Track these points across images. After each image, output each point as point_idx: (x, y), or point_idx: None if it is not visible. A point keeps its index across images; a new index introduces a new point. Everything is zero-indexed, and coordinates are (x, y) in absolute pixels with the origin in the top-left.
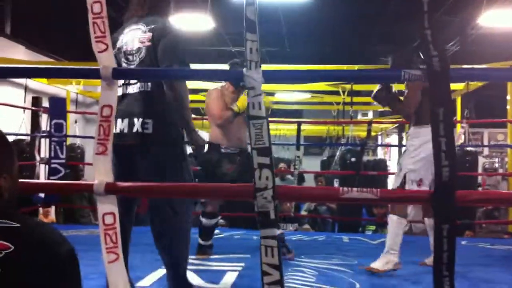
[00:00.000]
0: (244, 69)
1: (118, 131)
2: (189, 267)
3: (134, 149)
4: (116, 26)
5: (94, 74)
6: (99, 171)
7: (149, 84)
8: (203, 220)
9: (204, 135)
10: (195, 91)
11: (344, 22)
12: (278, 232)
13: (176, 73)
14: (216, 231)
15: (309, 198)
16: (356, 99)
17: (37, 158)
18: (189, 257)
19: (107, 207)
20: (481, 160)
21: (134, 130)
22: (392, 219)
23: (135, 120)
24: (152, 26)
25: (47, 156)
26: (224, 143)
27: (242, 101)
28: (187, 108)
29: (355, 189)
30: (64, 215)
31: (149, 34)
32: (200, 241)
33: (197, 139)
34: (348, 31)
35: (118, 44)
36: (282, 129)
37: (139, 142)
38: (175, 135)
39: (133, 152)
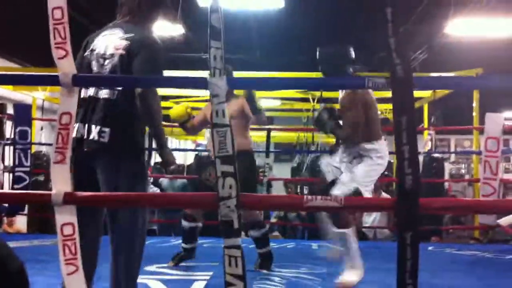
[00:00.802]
0: (208, 76)
1: (78, 135)
2: (156, 276)
3: (89, 156)
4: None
5: (53, 80)
6: (57, 181)
7: (116, 92)
8: (183, 222)
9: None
10: (165, 98)
11: (315, 30)
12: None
13: (138, 80)
14: None
15: (274, 207)
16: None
17: (1, 166)
18: (158, 265)
19: (66, 218)
20: (447, 167)
21: (91, 137)
22: (348, 234)
23: (93, 126)
24: (131, 35)
25: (11, 164)
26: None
27: (176, 109)
28: (158, 123)
29: (319, 197)
30: (39, 224)
31: (126, 43)
32: (183, 244)
33: (167, 157)
34: (320, 39)
35: (93, 46)
36: (252, 136)
37: (94, 150)
38: (133, 148)
39: (89, 159)
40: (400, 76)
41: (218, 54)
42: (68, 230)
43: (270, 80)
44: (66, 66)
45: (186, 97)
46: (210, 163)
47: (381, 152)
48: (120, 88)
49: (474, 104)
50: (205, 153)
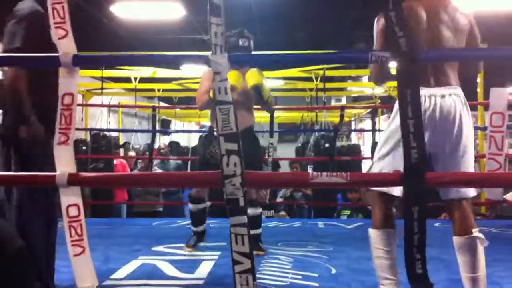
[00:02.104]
0: (209, 54)
1: None
2: (163, 257)
3: None
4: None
5: (53, 61)
6: (61, 162)
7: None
8: (189, 205)
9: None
10: (168, 80)
11: (316, 8)
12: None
13: (138, 58)
14: None
15: (279, 184)
16: (329, 85)
17: None
18: (165, 246)
19: (71, 199)
20: None
21: None
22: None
23: None
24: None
25: None
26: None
27: (234, 77)
28: (13, 97)
29: (324, 173)
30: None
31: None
32: (192, 227)
33: (33, 130)
34: (321, 17)
35: None
36: (255, 116)
37: None
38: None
39: None
40: (404, 48)
41: (219, 31)
42: (73, 212)
43: (271, 57)
44: (66, 46)
45: (188, 78)
46: (215, 140)
47: None
48: None
49: (479, 80)
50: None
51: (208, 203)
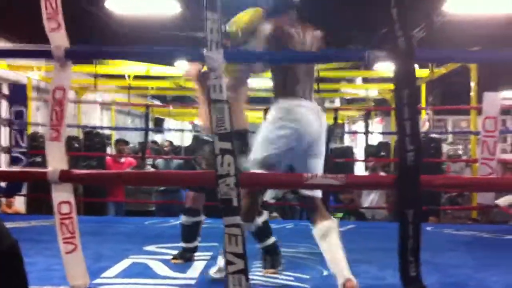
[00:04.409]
0: (204, 50)
1: None
2: (155, 256)
3: None
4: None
5: (45, 54)
6: (53, 158)
7: None
8: (183, 218)
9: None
10: (162, 78)
11: (314, 7)
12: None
13: (132, 51)
14: None
15: (274, 185)
16: (323, 86)
17: None
18: (157, 246)
19: (63, 196)
20: (445, 148)
21: None
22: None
23: None
24: None
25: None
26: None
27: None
28: None
29: (319, 174)
30: (38, 205)
31: None
32: (182, 244)
33: None
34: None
35: None
36: (250, 116)
37: None
38: None
39: None
40: (402, 48)
41: (214, 27)
42: (65, 209)
43: (268, 54)
44: (58, 39)
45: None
46: (207, 143)
47: None
48: None
49: (472, 84)
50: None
51: (203, 218)
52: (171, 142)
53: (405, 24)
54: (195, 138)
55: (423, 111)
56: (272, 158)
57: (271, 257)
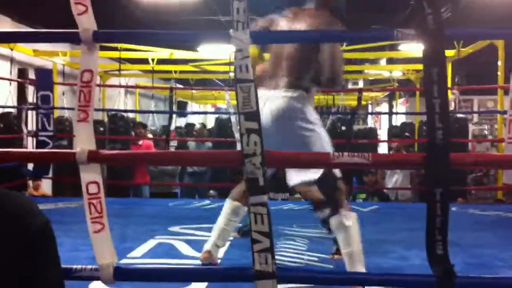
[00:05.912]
0: (231, 30)
1: None
2: (178, 236)
3: None
4: None
5: (73, 37)
6: (80, 139)
7: None
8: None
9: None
10: (185, 62)
11: None
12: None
13: (158, 35)
14: (207, 202)
15: (300, 164)
16: (346, 67)
17: (24, 131)
18: (181, 226)
19: (91, 176)
20: (471, 127)
21: None
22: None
23: None
24: None
25: (35, 129)
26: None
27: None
28: None
29: (346, 153)
30: (65, 188)
31: None
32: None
33: None
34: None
35: None
36: None
37: None
38: None
39: None
40: (431, 26)
41: (241, 7)
42: (93, 189)
43: (295, 34)
44: (86, 22)
45: (205, 60)
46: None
47: None
48: None
49: (499, 63)
50: (226, 116)
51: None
52: (204, 125)
53: (432, 1)
54: (219, 121)
55: (449, 91)
56: None
57: None
